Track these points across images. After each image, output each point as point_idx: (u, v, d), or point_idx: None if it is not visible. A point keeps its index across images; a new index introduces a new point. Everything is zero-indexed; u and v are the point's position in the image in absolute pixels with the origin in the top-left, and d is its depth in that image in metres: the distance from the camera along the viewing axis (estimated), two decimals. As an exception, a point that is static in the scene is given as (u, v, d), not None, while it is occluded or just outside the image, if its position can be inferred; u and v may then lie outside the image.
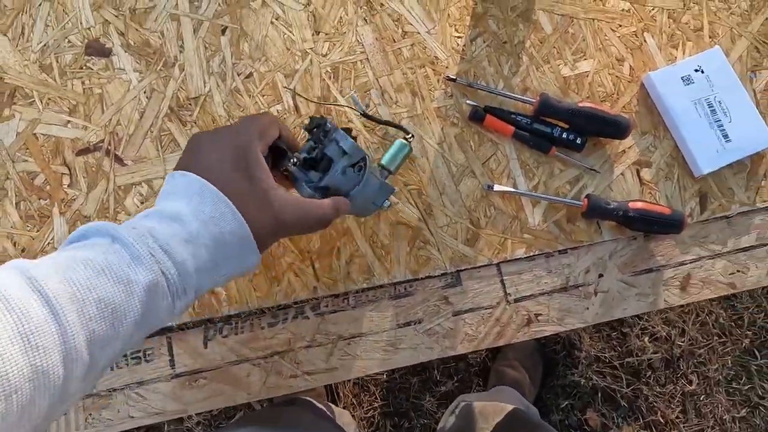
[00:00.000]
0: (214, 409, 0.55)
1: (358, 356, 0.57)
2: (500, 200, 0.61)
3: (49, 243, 0.57)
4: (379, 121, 0.58)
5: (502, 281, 0.59)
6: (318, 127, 0.48)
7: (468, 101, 0.62)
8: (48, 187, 0.58)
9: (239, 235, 0.39)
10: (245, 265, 0.41)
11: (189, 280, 0.38)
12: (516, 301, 0.59)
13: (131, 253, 0.35)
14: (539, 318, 0.59)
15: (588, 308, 0.59)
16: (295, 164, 0.46)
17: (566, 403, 1.36)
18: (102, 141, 0.59)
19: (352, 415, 1.29)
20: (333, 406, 1.13)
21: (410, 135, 0.55)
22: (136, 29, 0.62)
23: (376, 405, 1.33)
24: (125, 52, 0.61)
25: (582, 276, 0.60)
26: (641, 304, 0.60)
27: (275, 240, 0.43)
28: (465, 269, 0.59)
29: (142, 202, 0.58)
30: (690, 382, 1.38)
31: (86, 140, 0.59)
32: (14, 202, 0.57)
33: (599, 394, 1.36)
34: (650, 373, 1.38)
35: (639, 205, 0.59)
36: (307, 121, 0.50)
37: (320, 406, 0.98)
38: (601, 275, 0.60)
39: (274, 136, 0.45)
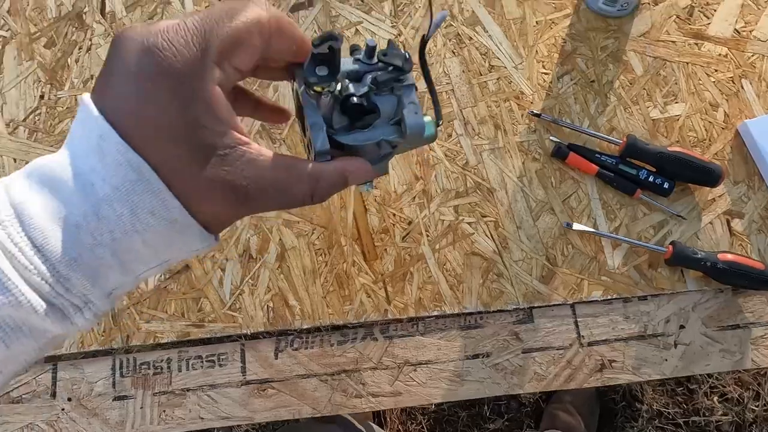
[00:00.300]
0: (279, 419, 0.57)
1: (423, 384, 0.57)
2: (579, 239, 0.60)
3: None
4: (426, 77, 0.35)
5: (576, 322, 0.58)
6: (386, 60, 0.31)
7: (552, 137, 0.62)
8: None
9: (165, 217, 0.25)
10: (186, 251, 0.28)
11: (87, 282, 0.25)
12: (590, 344, 0.57)
13: None
14: (613, 365, 0.57)
15: (666, 360, 0.57)
16: (319, 91, 0.30)
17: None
18: None
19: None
20: (375, 426, 1.12)
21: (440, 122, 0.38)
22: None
23: (422, 435, 1.31)
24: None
25: (662, 325, 0.58)
26: (725, 362, 0.57)
27: (239, 217, 0.29)
28: (538, 306, 0.58)
29: (229, 213, 0.61)
30: (763, 451, 1.27)
31: None
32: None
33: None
34: (718, 436, 1.29)
35: (729, 257, 0.56)
36: (363, 42, 0.35)
37: (360, 427, 0.96)
38: (682, 326, 0.58)
39: (252, 51, 0.27)
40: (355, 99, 0.30)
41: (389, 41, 0.32)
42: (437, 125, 0.35)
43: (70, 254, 0.24)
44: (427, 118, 0.34)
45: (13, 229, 0.23)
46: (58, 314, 0.24)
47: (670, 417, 1.30)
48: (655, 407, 1.30)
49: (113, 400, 0.57)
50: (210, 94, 0.25)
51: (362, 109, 0.30)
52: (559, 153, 0.61)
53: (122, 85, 0.25)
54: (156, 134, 0.24)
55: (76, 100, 0.64)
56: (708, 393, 1.31)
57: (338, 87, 0.30)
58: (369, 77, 0.31)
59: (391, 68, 0.31)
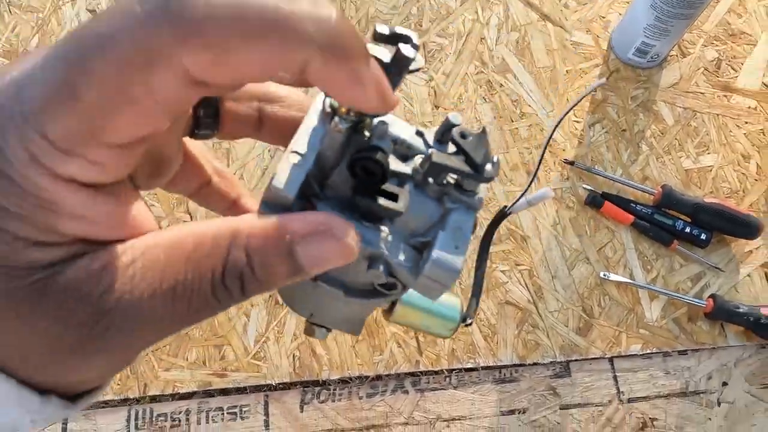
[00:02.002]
0: (303, 478, 0.53)
1: (456, 441, 0.54)
2: (615, 290, 0.58)
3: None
4: (480, 258, 0.29)
5: (615, 377, 0.56)
6: (462, 146, 0.19)
7: (585, 186, 0.61)
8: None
9: None
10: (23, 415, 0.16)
11: None
12: (630, 401, 0.55)
13: None
14: (655, 423, 0.54)
15: (710, 419, 0.54)
16: (343, 114, 0.17)
17: None
18: (225, 193, 0.61)
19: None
20: None
21: (469, 319, 0.30)
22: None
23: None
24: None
25: (704, 382, 0.56)
26: (771, 421, 0.55)
27: (125, 364, 0.17)
28: (576, 360, 0.56)
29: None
30: None
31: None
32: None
33: None
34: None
35: (772, 311, 0.55)
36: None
37: None
38: (725, 383, 0.56)
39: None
40: (376, 157, 0.17)
41: (483, 128, 0.19)
42: (464, 320, 0.26)
43: None
44: (456, 300, 0.26)
45: None
46: None
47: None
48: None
49: (127, 455, 0.53)
50: (28, 187, 0.14)
51: (377, 178, 0.18)
52: (594, 202, 0.60)
53: None
54: None
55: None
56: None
57: (367, 131, 0.18)
58: (419, 159, 0.19)
59: (461, 159, 0.18)
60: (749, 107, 0.65)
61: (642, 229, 0.59)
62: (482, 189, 0.19)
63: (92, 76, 0.13)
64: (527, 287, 0.58)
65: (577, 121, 0.64)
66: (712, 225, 0.58)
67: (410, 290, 0.24)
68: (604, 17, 0.69)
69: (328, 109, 0.18)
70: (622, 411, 0.55)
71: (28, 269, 0.14)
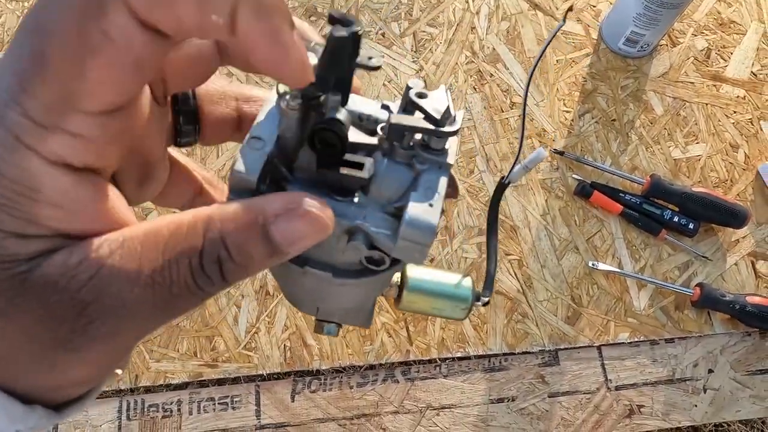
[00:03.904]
0: (294, 467, 0.54)
1: (446, 429, 0.55)
2: (604, 279, 0.59)
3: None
4: (491, 230, 0.28)
5: (603, 365, 0.56)
6: (422, 105, 0.18)
7: (574, 176, 0.61)
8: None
9: None
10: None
11: None
12: (617, 388, 0.56)
13: None
14: (642, 410, 0.55)
15: (696, 405, 0.55)
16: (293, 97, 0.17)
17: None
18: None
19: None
20: None
21: (485, 298, 0.27)
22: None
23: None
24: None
25: (690, 369, 0.56)
26: (756, 408, 0.55)
27: (113, 362, 0.17)
28: (564, 348, 0.57)
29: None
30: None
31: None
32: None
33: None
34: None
35: (758, 300, 0.55)
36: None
37: None
38: (711, 371, 0.56)
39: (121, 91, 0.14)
40: (332, 127, 0.17)
41: (442, 86, 0.19)
42: (478, 299, 0.25)
43: None
44: (467, 279, 0.25)
45: None
46: None
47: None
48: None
49: (119, 445, 0.54)
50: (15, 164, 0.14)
51: (337, 148, 0.18)
52: (583, 192, 0.60)
53: None
54: None
55: None
56: (713, 432, 1.29)
57: (325, 102, 0.17)
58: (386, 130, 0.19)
59: (423, 120, 0.18)
60: (738, 96, 0.65)
61: (630, 218, 0.60)
62: (452, 147, 0.19)
63: (52, 35, 0.13)
64: (517, 277, 0.58)
65: (567, 111, 0.64)
66: (700, 214, 0.58)
67: (416, 275, 0.24)
68: (594, 6, 0.69)
69: (281, 90, 0.17)
70: (609, 398, 0.56)
71: (8, 263, 0.14)
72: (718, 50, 0.67)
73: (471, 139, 0.63)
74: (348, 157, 0.18)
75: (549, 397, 0.55)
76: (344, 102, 0.18)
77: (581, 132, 0.64)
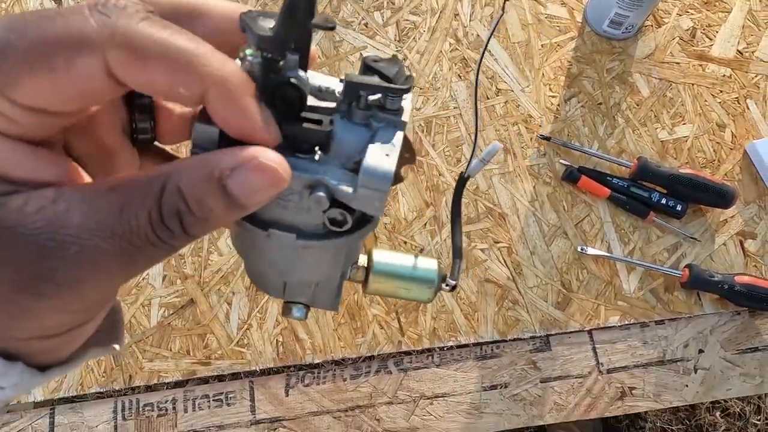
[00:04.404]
0: (291, 460, 0.54)
1: (440, 417, 0.55)
2: (593, 264, 0.59)
3: (144, 278, 0.58)
4: (454, 221, 0.29)
5: (594, 349, 0.57)
6: (377, 68, 0.20)
7: (561, 161, 0.61)
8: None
9: None
10: None
11: None
12: (609, 371, 0.56)
13: None
14: (634, 392, 0.56)
15: (687, 386, 0.56)
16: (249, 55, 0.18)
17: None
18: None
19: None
20: None
21: (452, 283, 0.27)
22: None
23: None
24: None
25: (680, 350, 0.57)
26: (746, 386, 0.56)
27: (82, 317, 0.18)
28: (555, 334, 0.57)
29: (234, 244, 0.59)
30: (766, 466, 1.27)
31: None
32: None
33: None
34: (721, 451, 1.28)
35: (746, 279, 0.55)
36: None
37: None
38: (701, 351, 0.57)
39: (73, 85, 0.15)
40: (291, 83, 0.18)
41: (394, 55, 0.21)
42: (446, 283, 0.25)
43: None
44: (432, 262, 0.25)
45: None
46: None
47: (674, 434, 1.29)
48: (658, 424, 1.29)
49: (115, 445, 0.54)
50: None
51: (296, 105, 0.18)
52: (571, 177, 0.60)
53: None
54: None
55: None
56: (711, 408, 1.30)
57: (284, 62, 0.18)
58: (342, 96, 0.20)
59: (377, 83, 0.19)
60: (724, 75, 0.65)
61: (618, 202, 0.60)
62: (407, 107, 0.20)
63: (25, 38, 0.14)
64: (506, 264, 0.59)
65: (553, 96, 0.64)
66: (688, 195, 0.58)
67: (382, 259, 0.25)
68: (578, -11, 0.68)
69: (241, 54, 0.18)
70: (601, 381, 0.56)
71: None
72: (704, 29, 0.67)
73: (457, 127, 0.63)
74: (307, 115, 0.19)
75: (541, 382, 0.56)
76: (303, 64, 0.18)
77: (567, 117, 0.63)
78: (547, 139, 0.62)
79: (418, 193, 0.61)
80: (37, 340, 0.17)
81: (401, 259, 0.25)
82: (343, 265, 0.24)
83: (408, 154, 0.20)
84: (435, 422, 0.55)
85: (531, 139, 0.63)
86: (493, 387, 0.56)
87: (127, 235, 0.16)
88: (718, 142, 0.63)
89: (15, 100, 0.15)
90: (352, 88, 0.19)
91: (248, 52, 0.18)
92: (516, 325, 0.57)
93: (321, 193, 0.18)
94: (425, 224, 0.60)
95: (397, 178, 0.20)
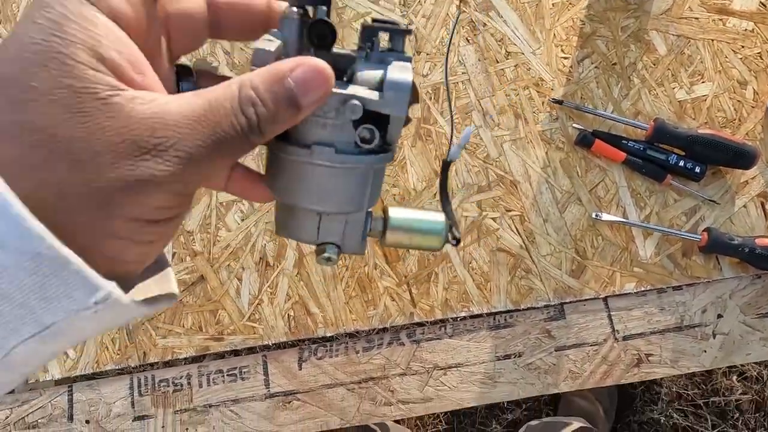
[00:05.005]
0: (306, 432, 0.55)
1: (454, 388, 0.55)
2: (609, 230, 0.57)
3: (153, 256, 0.58)
4: (443, 195, 0.30)
5: (609, 317, 0.56)
6: (381, 21, 0.25)
7: (575, 125, 0.59)
8: (155, 202, 0.59)
9: (25, 252, 0.16)
10: (76, 310, 0.17)
11: None
12: (625, 338, 0.55)
13: None
14: (650, 359, 0.55)
15: (705, 351, 0.55)
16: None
17: (642, 440, 1.28)
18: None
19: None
20: (390, 424, 1.10)
21: (455, 236, 0.29)
22: (242, 48, 0.63)
23: (440, 428, 1.30)
24: (231, 71, 0.62)
25: (698, 316, 0.56)
26: (766, 350, 0.55)
27: (171, 231, 0.21)
28: (570, 302, 0.56)
29: (242, 219, 0.58)
30: (784, 429, 1.27)
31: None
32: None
33: (679, 433, 1.27)
34: (738, 415, 1.28)
35: (767, 241, 0.54)
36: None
37: (374, 427, 0.93)
38: (720, 316, 0.56)
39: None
40: (326, 22, 0.23)
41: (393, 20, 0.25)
42: (452, 235, 0.28)
43: None
44: (440, 215, 0.28)
45: None
46: None
47: (690, 399, 1.28)
48: (674, 389, 1.29)
49: (133, 421, 0.55)
50: (81, 14, 0.18)
51: (328, 38, 0.23)
52: (584, 141, 0.58)
53: None
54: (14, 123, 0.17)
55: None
56: (727, 373, 1.30)
57: (315, 11, 0.24)
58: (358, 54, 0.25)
59: (385, 31, 0.24)
60: (746, 30, 0.62)
61: (634, 165, 0.58)
62: (408, 47, 0.27)
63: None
64: (519, 233, 0.57)
65: (565, 58, 0.62)
66: (707, 157, 0.56)
67: (395, 215, 0.28)
68: (591, -58, 0.65)
69: (285, 10, 0.23)
70: (617, 349, 0.55)
71: (92, 89, 0.18)
72: (724, -19, 0.63)
73: (466, 93, 0.61)
74: (336, 50, 0.24)
75: (556, 350, 0.55)
76: (328, 13, 0.23)
77: (580, 79, 0.61)
78: (560, 102, 0.60)
79: (427, 163, 0.59)
80: (138, 225, 0.19)
81: (413, 214, 0.28)
82: (369, 198, 0.26)
83: (412, 96, 0.24)
84: (449, 392, 0.55)
85: (543, 103, 0.61)
86: (507, 356, 0.55)
87: (213, 124, 0.19)
88: (739, 101, 0.60)
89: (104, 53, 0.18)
90: (368, 31, 0.24)
91: (290, 5, 0.23)
92: (529, 294, 0.56)
93: (355, 102, 0.22)
94: (435, 194, 0.58)
95: (407, 119, 0.24)
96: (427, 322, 0.56)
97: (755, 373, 1.29)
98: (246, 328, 0.56)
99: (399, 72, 0.23)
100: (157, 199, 0.19)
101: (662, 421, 1.27)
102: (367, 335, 0.56)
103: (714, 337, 0.55)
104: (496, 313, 0.56)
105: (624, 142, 0.58)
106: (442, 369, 0.55)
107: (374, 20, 0.24)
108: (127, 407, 0.55)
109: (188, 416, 0.55)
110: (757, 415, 1.27)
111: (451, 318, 0.56)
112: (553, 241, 0.57)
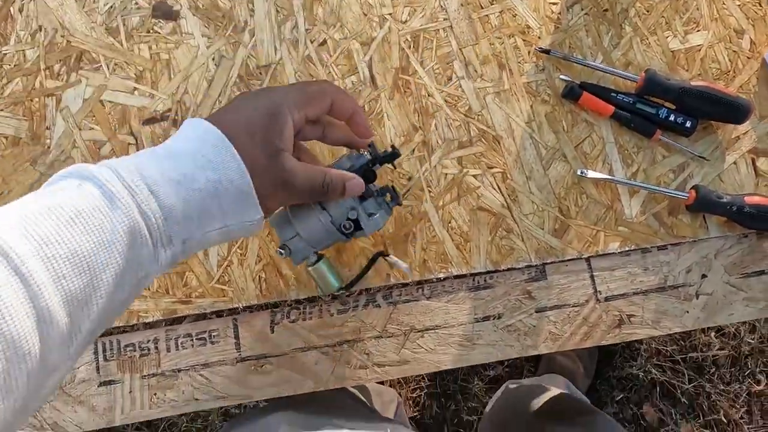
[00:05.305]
0: (280, 396, 0.53)
1: (431, 350, 0.53)
2: (594, 188, 0.55)
3: (115, 216, 0.55)
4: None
5: (592, 277, 0.54)
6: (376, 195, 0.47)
7: (562, 76, 0.56)
8: (114, 157, 0.55)
9: (239, 187, 0.36)
10: (245, 221, 0.37)
11: (176, 227, 0.34)
12: (606, 299, 0.54)
13: (105, 194, 0.31)
14: (632, 320, 0.54)
15: (688, 312, 0.54)
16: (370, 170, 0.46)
17: (621, 395, 1.30)
18: (169, 110, 0.56)
19: (399, 393, 1.28)
20: (370, 385, 1.09)
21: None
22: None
23: (423, 385, 1.31)
24: (193, 15, 0.57)
25: (682, 276, 0.54)
26: (750, 310, 0.54)
27: (279, 205, 0.42)
28: (551, 262, 0.54)
29: (209, 177, 0.55)
30: (758, 382, 1.30)
31: (153, 109, 0.56)
32: (81, 172, 0.55)
33: (658, 389, 1.30)
34: (714, 370, 1.30)
35: (756, 199, 0.52)
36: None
37: (353, 390, 0.93)
38: (704, 276, 0.54)
39: (322, 108, 0.41)
40: (372, 169, 0.46)
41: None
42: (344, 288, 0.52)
43: (170, 201, 0.33)
44: (336, 283, 0.51)
45: (134, 176, 0.33)
46: (150, 248, 0.33)
47: (668, 354, 1.30)
48: (653, 346, 1.31)
49: (99, 386, 0.53)
50: (286, 122, 0.38)
51: (372, 178, 0.46)
52: (571, 93, 0.55)
53: (233, 110, 0.39)
54: (245, 133, 0.37)
55: (25, 55, 0.56)
56: (705, 329, 1.31)
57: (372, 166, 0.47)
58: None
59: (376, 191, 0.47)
60: (746, -26, 0.58)
61: (623, 120, 0.55)
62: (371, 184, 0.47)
63: (309, 104, 0.41)
64: (500, 191, 0.55)
65: (554, 3, 0.58)
66: (698, 110, 0.54)
67: (319, 266, 0.49)
68: None
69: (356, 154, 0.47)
70: (599, 310, 0.54)
71: (274, 153, 0.38)
72: None
73: (447, 42, 0.57)
74: (370, 186, 0.46)
75: (536, 312, 0.54)
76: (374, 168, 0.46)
77: (569, 26, 0.57)
78: (547, 52, 0.56)
79: (405, 117, 0.56)
80: (276, 204, 0.41)
81: (327, 272, 0.50)
82: (323, 246, 0.47)
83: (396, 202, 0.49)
84: (426, 355, 0.53)
85: (529, 53, 0.57)
86: (486, 318, 0.54)
87: (310, 182, 0.40)
88: (734, 51, 0.57)
89: (307, 114, 0.40)
90: (383, 191, 0.48)
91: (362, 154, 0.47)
92: (510, 254, 0.54)
93: (350, 217, 0.45)
94: (413, 150, 0.55)
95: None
96: (405, 283, 0.54)
97: (733, 329, 1.31)
98: (215, 291, 0.53)
99: (374, 225, 0.46)
100: (281, 203, 0.42)
101: (641, 376, 1.29)
102: (342, 297, 0.54)
103: (697, 298, 0.54)
104: (475, 274, 0.54)
105: (613, 94, 0.55)
106: (419, 331, 0.54)
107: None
108: (92, 372, 0.52)
109: (156, 381, 0.53)
110: (732, 369, 1.30)
111: (430, 280, 0.54)
112: (536, 200, 0.55)
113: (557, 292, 0.54)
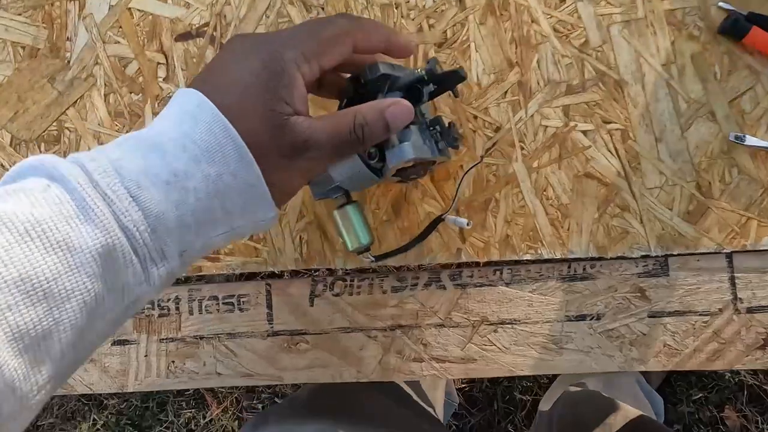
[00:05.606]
0: (314, 381, 0.44)
1: (505, 349, 0.42)
2: (750, 161, 0.40)
3: (139, 149, 0.46)
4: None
5: (732, 279, 0.41)
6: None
7: (722, 3, 0.41)
8: (141, 79, 0.46)
9: (245, 180, 0.29)
10: (254, 221, 0.31)
11: (168, 239, 0.27)
12: (749, 311, 0.40)
13: (76, 201, 0.25)
14: (783, 341, 0.40)
15: None
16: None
17: (701, 395, 1.15)
18: (206, 25, 0.46)
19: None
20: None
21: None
22: None
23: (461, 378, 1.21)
24: None
25: None
26: None
27: (298, 187, 0.33)
28: (678, 254, 0.41)
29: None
30: None
31: (188, 22, 0.46)
32: (103, 94, 0.46)
33: (745, 392, 1.14)
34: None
35: None
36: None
37: (407, 390, 0.82)
38: None
39: (341, 53, 0.32)
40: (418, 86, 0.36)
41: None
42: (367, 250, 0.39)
43: (159, 208, 0.27)
44: (369, 237, 0.39)
45: (111, 179, 0.26)
46: (137, 267, 0.26)
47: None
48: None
49: (112, 345, 0.46)
50: (293, 80, 0.30)
51: (419, 95, 0.36)
52: (734, 28, 0.40)
53: (221, 71, 0.30)
54: (240, 101, 0.29)
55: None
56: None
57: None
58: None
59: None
60: None
61: (807, 68, 0.39)
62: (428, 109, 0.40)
63: (323, 53, 0.31)
64: (617, 154, 0.41)
65: None
66: None
67: (348, 212, 0.38)
68: None
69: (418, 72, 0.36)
70: (737, 323, 0.40)
71: (280, 117, 0.29)
72: None
73: (565, -50, 0.43)
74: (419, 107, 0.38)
75: (649, 317, 0.41)
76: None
77: (742, -67, 0.41)
78: (705, -33, 0.41)
79: (499, 48, 0.43)
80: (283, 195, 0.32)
81: (357, 220, 0.38)
82: (353, 186, 0.38)
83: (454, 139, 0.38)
84: (498, 354, 0.42)
85: (678, -32, 0.42)
86: (581, 317, 0.42)
87: (338, 136, 0.31)
88: None
89: (321, 65, 0.31)
90: (432, 121, 0.38)
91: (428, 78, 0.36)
92: (623, 238, 0.41)
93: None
94: (506, 93, 0.43)
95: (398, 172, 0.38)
96: (479, 263, 0.43)
97: None
98: (248, 249, 0.44)
99: (399, 155, 0.35)
100: (301, 183, 0.33)
101: (727, 376, 1.14)
102: (400, 272, 0.44)
103: None
104: (573, 260, 0.42)
105: (797, 31, 0.39)
106: (492, 324, 0.43)
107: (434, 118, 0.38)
108: (105, 329, 0.45)
109: (175, 347, 0.45)
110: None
111: (512, 261, 0.42)
112: (666, 170, 0.41)
113: (681, 293, 0.41)
